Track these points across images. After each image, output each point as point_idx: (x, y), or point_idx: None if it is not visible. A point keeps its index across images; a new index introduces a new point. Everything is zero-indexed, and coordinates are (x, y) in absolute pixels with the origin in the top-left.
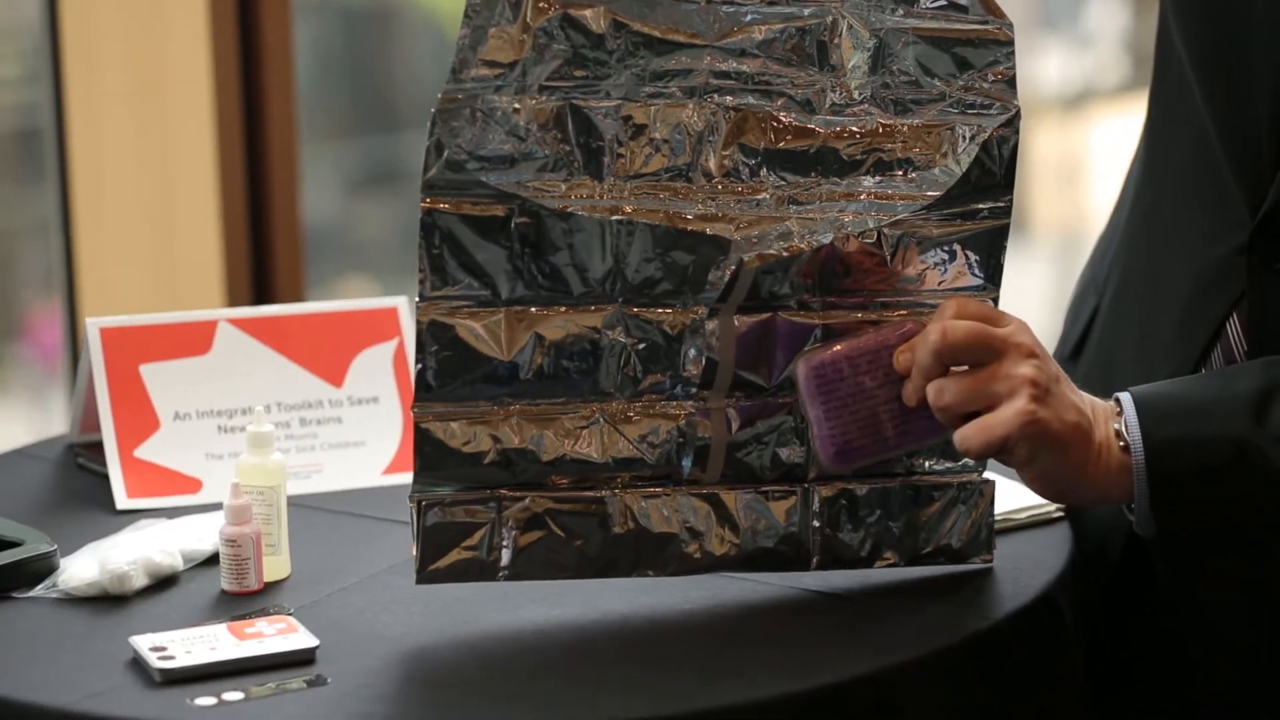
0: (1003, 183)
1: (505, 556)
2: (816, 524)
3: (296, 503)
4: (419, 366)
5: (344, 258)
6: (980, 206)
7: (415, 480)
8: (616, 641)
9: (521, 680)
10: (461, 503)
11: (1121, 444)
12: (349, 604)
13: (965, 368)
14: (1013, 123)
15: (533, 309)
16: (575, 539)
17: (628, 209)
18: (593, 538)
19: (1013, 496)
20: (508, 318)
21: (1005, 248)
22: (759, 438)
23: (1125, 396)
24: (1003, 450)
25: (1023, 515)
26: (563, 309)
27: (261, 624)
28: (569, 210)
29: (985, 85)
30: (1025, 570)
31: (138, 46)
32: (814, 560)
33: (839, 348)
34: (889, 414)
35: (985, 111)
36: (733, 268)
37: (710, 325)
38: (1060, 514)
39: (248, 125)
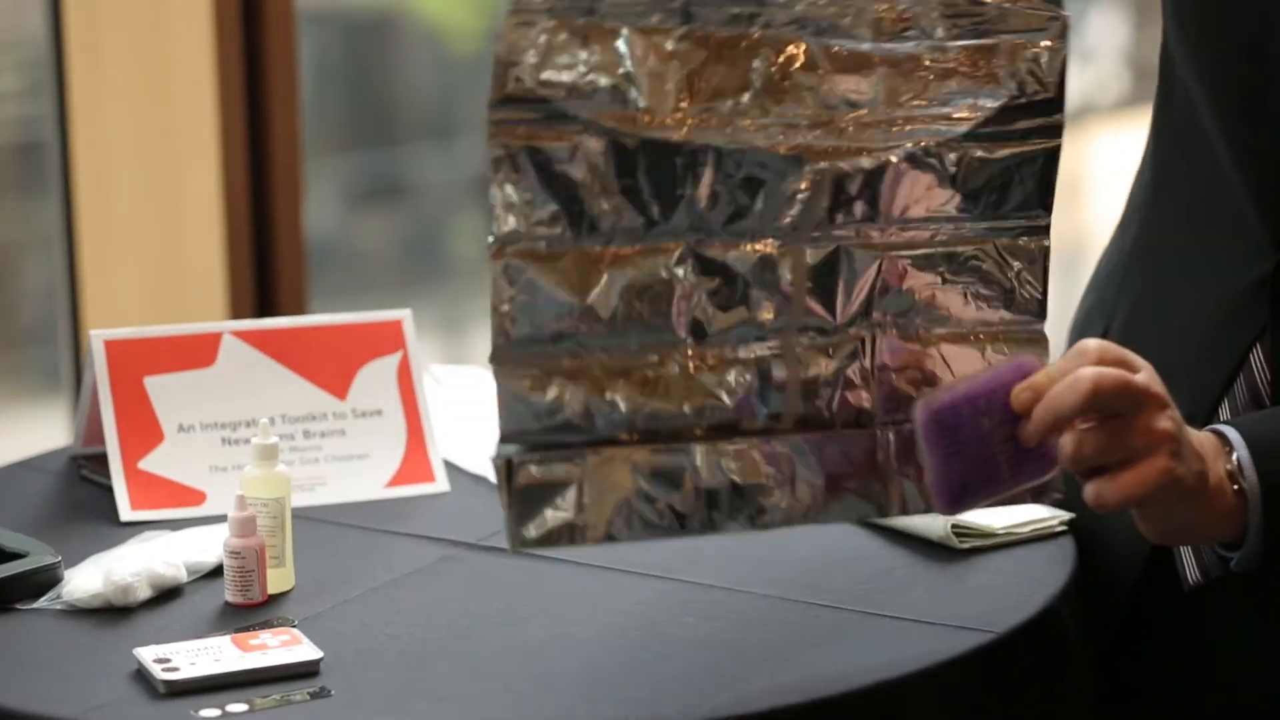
0: (1055, 99)
1: (597, 515)
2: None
3: (300, 515)
4: (497, 314)
5: (344, 271)
6: (1030, 125)
7: (500, 442)
8: (618, 655)
9: (523, 694)
10: (549, 461)
11: (1235, 486)
12: (353, 616)
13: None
14: (1063, 34)
15: (605, 248)
16: (665, 494)
17: (695, 137)
18: (683, 492)
19: (1015, 510)
20: (579, 259)
21: (1057, 171)
22: (829, 381)
23: (1233, 434)
24: (1137, 505)
25: (1025, 529)
26: (634, 248)
27: (266, 636)
28: (641, 136)
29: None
30: (1028, 584)
31: (142, 59)
32: (895, 504)
33: (959, 390)
34: (1004, 455)
35: (1031, 29)
36: (803, 185)
37: (780, 260)
38: (1063, 528)
39: (252, 137)
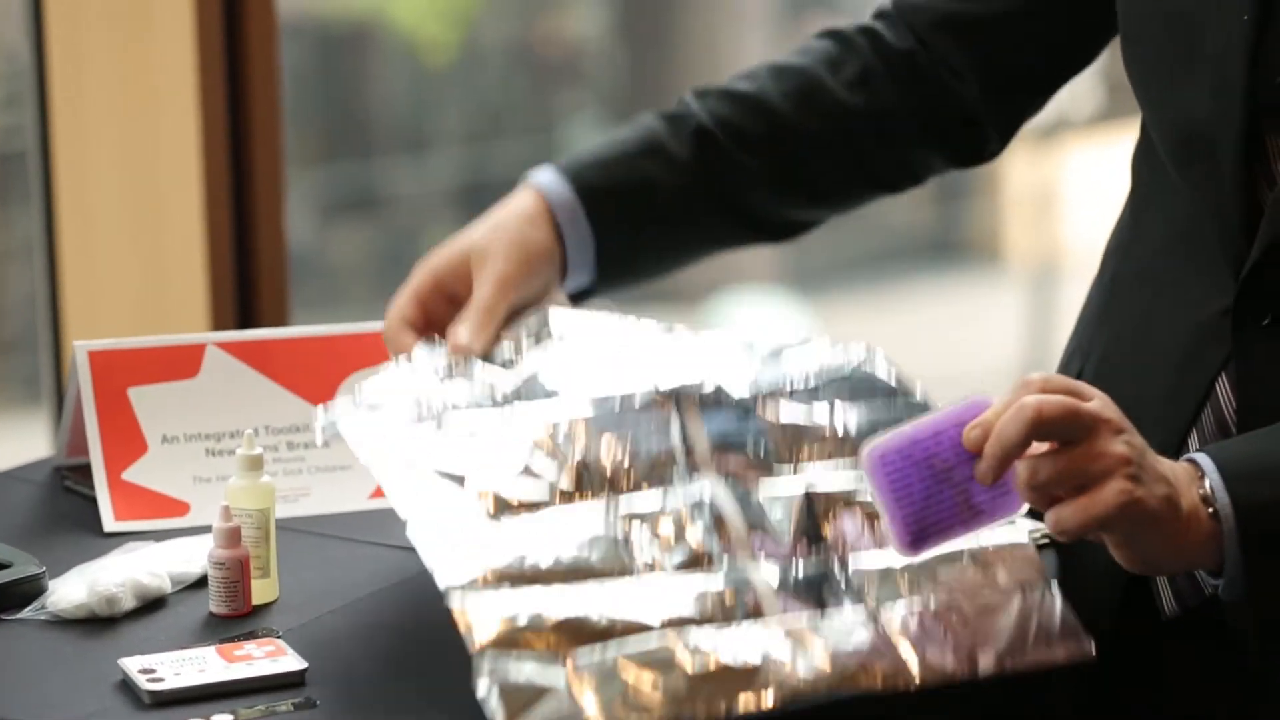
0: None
1: (592, 707)
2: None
3: (284, 526)
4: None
5: (318, 283)
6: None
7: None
8: None
9: None
10: (530, 661)
11: (1210, 510)
12: (337, 627)
13: (1048, 445)
14: None
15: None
16: (656, 683)
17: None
18: (673, 679)
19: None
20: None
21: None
22: (798, 575)
23: (1204, 459)
24: (1099, 530)
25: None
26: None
27: (250, 646)
28: None
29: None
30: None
31: (124, 69)
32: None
33: (907, 432)
34: (962, 494)
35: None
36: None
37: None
38: (1045, 541)
39: (233, 148)
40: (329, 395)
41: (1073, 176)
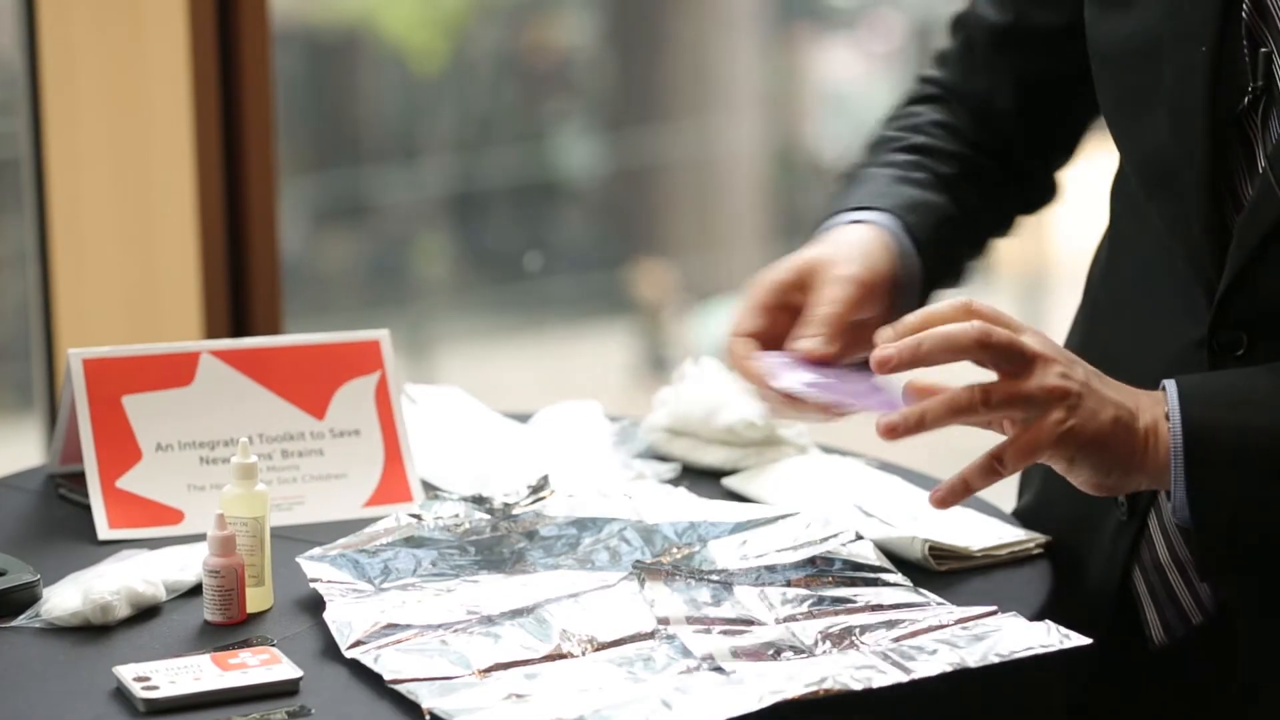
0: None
1: None
2: None
3: (278, 534)
4: None
5: (308, 291)
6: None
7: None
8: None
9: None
10: None
11: (1169, 428)
12: (331, 635)
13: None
14: None
15: None
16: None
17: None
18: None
19: (993, 533)
20: None
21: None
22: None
23: (1169, 383)
24: (1041, 459)
25: (1003, 552)
26: None
27: (245, 655)
28: None
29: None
30: (1004, 607)
31: (117, 76)
32: None
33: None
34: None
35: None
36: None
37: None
38: (1040, 550)
39: (227, 156)
40: (323, 403)
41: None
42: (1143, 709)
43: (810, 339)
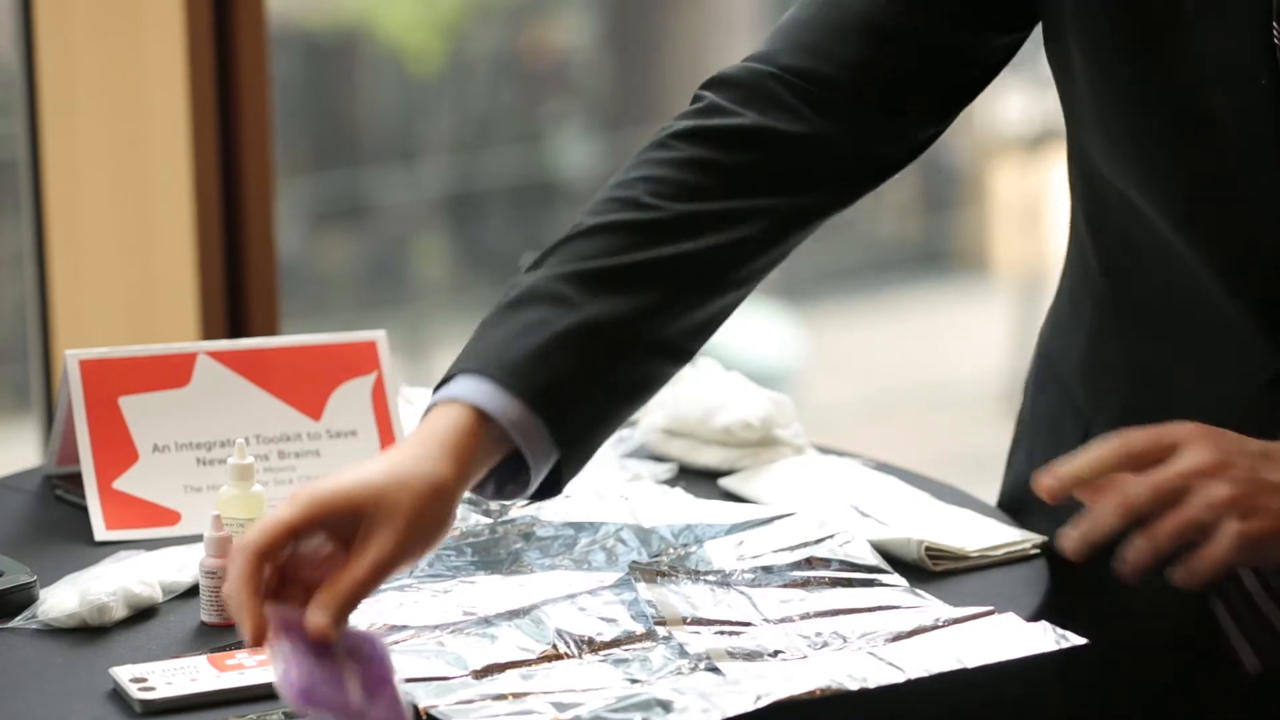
0: None
1: None
2: None
3: None
4: None
5: (306, 292)
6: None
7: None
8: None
9: None
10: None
11: None
12: None
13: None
14: None
15: None
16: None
17: None
18: None
19: (988, 533)
20: None
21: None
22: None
23: None
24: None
25: (999, 551)
26: None
27: (242, 656)
28: None
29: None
30: (1001, 607)
31: (114, 77)
32: None
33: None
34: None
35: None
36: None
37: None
38: (1036, 551)
39: (224, 157)
40: (320, 404)
41: (1060, 187)
42: None
43: (317, 614)
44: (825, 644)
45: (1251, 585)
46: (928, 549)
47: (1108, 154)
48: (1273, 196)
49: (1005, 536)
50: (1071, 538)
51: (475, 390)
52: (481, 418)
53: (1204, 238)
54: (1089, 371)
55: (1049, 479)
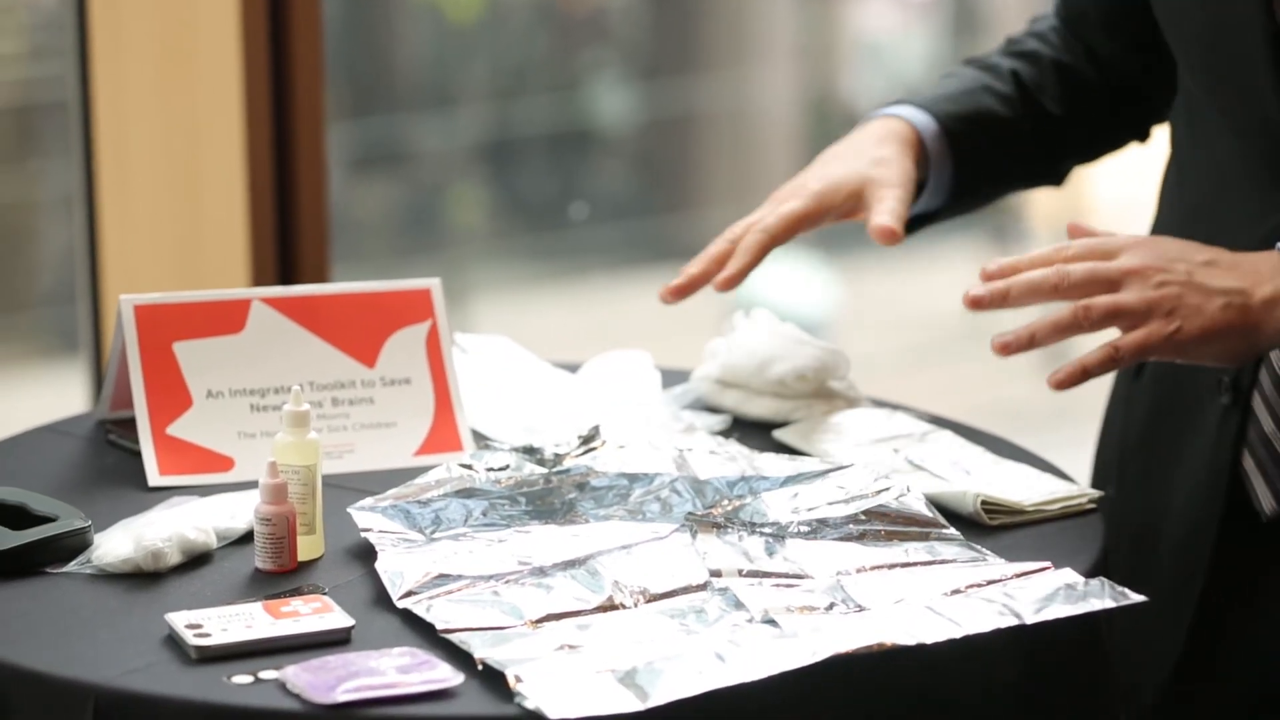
0: None
1: None
2: None
3: (328, 482)
4: None
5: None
6: None
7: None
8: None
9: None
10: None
11: None
12: (382, 584)
13: None
14: None
15: None
16: None
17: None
18: None
19: (1045, 487)
20: None
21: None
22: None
23: None
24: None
25: (1054, 507)
26: None
27: (297, 603)
28: None
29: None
30: (1058, 563)
31: (165, 20)
32: None
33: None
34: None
35: None
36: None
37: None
38: (1092, 505)
39: (275, 101)
40: (374, 351)
41: None
42: (1267, 583)
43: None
44: (879, 598)
45: (1270, 429)
46: (983, 503)
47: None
48: (1262, 44)
49: (1061, 491)
50: (992, 291)
51: (909, 112)
52: (914, 130)
53: (1226, 95)
54: None
55: (989, 265)
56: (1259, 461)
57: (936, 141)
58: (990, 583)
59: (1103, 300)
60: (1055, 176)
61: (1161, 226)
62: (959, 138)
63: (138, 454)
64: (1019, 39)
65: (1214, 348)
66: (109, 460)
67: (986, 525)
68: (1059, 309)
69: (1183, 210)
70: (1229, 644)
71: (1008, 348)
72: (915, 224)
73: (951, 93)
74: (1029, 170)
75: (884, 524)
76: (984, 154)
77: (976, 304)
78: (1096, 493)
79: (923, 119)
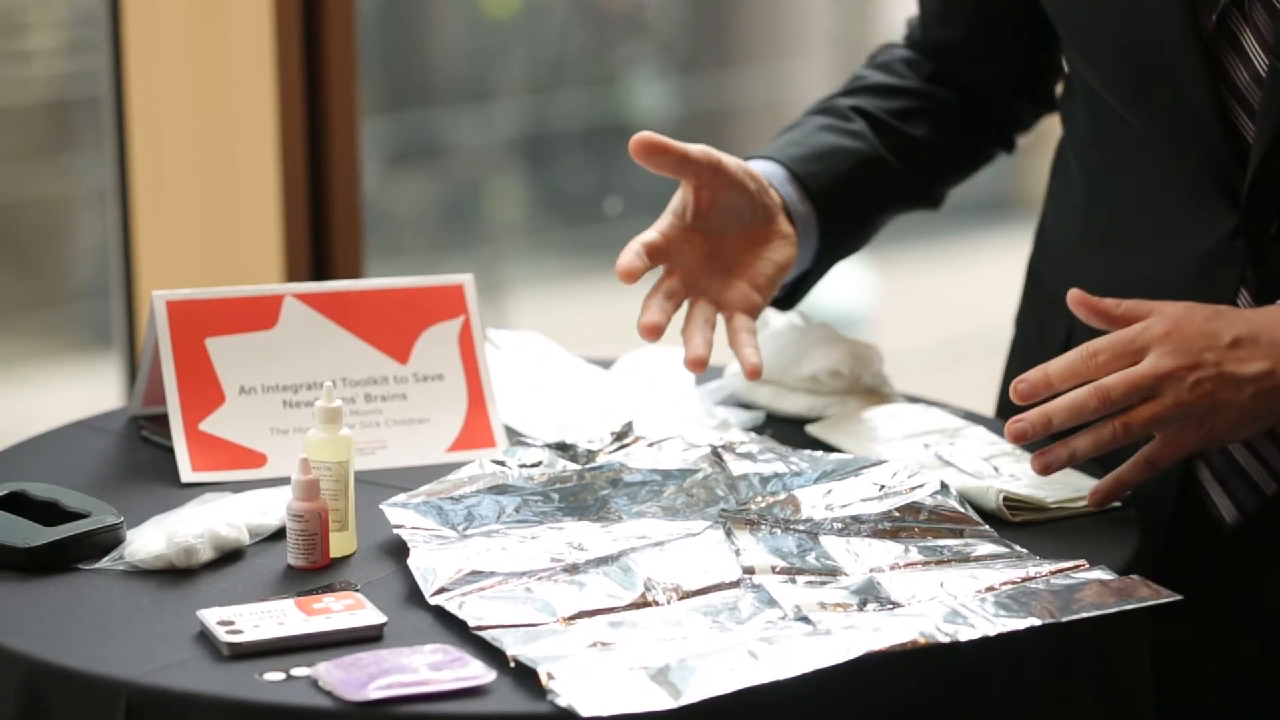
0: None
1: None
2: None
3: (361, 479)
4: None
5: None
6: None
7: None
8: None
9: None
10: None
11: None
12: (414, 581)
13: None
14: None
15: None
16: None
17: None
18: None
19: (1071, 485)
20: None
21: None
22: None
23: None
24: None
25: (1079, 503)
26: None
27: (329, 600)
28: None
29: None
30: (1092, 559)
31: (199, 15)
32: None
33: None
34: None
35: None
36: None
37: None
38: (1118, 504)
39: (309, 96)
40: (406, 347)
41: None
42: (1221, 591)
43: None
44: (914, 595)
45: None
46: (1005, 499)
47: (1072, 37)
48: (1199, 53)
49: (1086, 488)
50: (1033, 422)
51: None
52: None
53: (1154, 112)
54: (1065, 266)
55: (1022, 384)
56: (1215, 471)
57: (788, 186)
58: (1024, 580)
59: (1140, 417)
60: (931, 201)
61: (1071, 239)
62: (810, 178)
63: (170, 450)
64: (860, 75)
65: (1247, 431)
66: (141, 456)
67: (1009, 521)
68: (1082, 396)
69: (1101, 224)
70: (1191, 651)
71: (1024, 435)
72: (800, 285)
73: (792, 139)
74: (901, 197)
75: (918, 521)
76: (845, 189)
77: (1020, 437)
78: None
79: (764, 166)
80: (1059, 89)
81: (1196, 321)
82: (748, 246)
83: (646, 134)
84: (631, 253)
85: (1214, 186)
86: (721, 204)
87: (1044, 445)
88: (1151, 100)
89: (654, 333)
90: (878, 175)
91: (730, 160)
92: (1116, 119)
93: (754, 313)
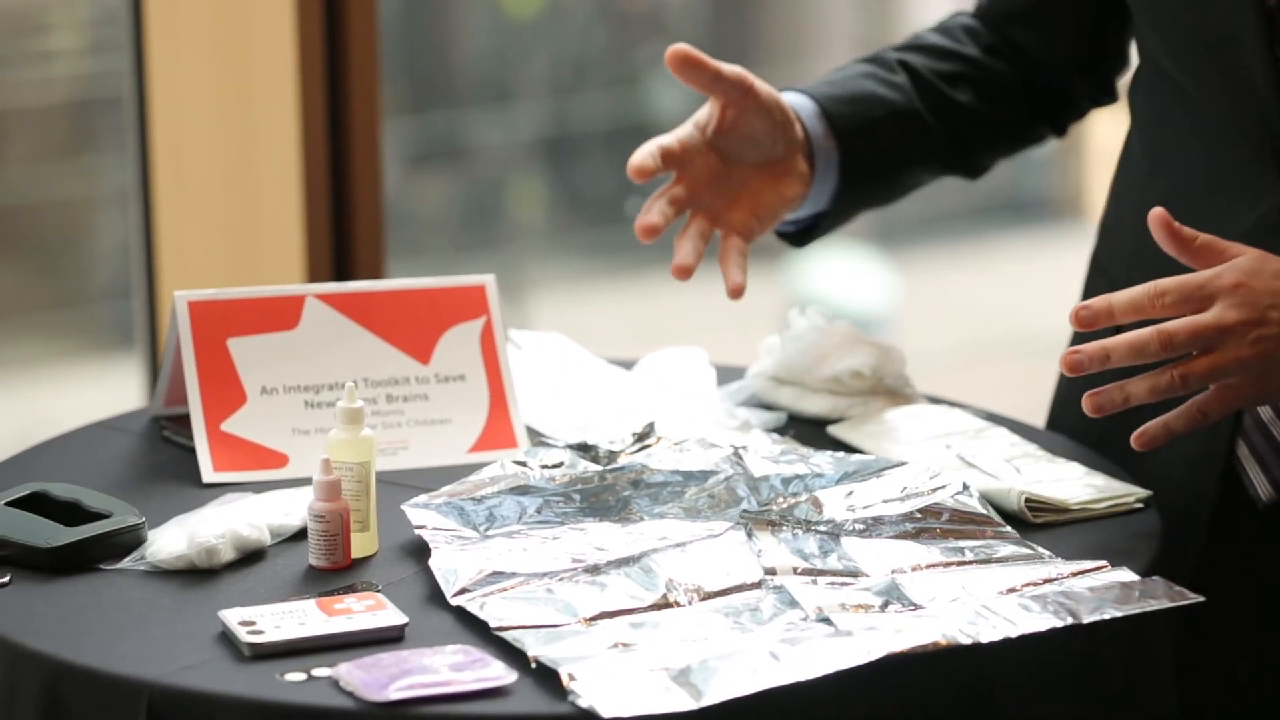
0: None
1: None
2: None
3: (382, 479)
4: None
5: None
6: None
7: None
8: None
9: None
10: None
11: None
12: (436, 582)
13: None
14: None
15: None
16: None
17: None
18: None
19: (1093, 486)
20: None
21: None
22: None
23: None
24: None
25: (1101, 505)
26: None
27: (350, 600)
28: None
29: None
30: (1114, 560)
31: (221, 14)
32: None
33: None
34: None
35: None
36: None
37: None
38: (1140, 504)
39: (331, 97)
40: (428, 348)
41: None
42: (1260, 570)
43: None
44: (935, 597)
45: (1267, 414)
46: (1027, 500)
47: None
48: (1263, 30)
49: (1110, 490)
50: (1091, 355)
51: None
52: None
53: (1209, 77)
54: (1123, 251)
55: (1084, 310)
56: (1254, 448)
57: (816, 121)
58: (1046, 581)
59: (1199, 368)
60: (970, 168)
61: (1129, 217)
62: (840, 118)
63: (192, 450)
64: (919, 34)
65: None
66: (163, 456)
67: (1031, 523)
68: (1145, 336)
69: (1159, 194)
70: (1221, 637)
71: (1080, 366)
72: (816, 225)
73: (831, 79)
74: (933, 157)
75: (940, 522)
76: (873, 135)
77: (1075, 368)
78: (1146, 492)
79: (797, 99)
80: (1125, 81)
81: (1266, 277)
82: (759, 176)
83: (682, 46)
84: (645, 152)
85: (1261, 159)
86: (744, 127)
87: (1095, 385)
88: (1214, 75)
89: (649, 234)
90: (910, 129)
91: (762, 86)
92: (1180, 96)
93: (750, 237)
